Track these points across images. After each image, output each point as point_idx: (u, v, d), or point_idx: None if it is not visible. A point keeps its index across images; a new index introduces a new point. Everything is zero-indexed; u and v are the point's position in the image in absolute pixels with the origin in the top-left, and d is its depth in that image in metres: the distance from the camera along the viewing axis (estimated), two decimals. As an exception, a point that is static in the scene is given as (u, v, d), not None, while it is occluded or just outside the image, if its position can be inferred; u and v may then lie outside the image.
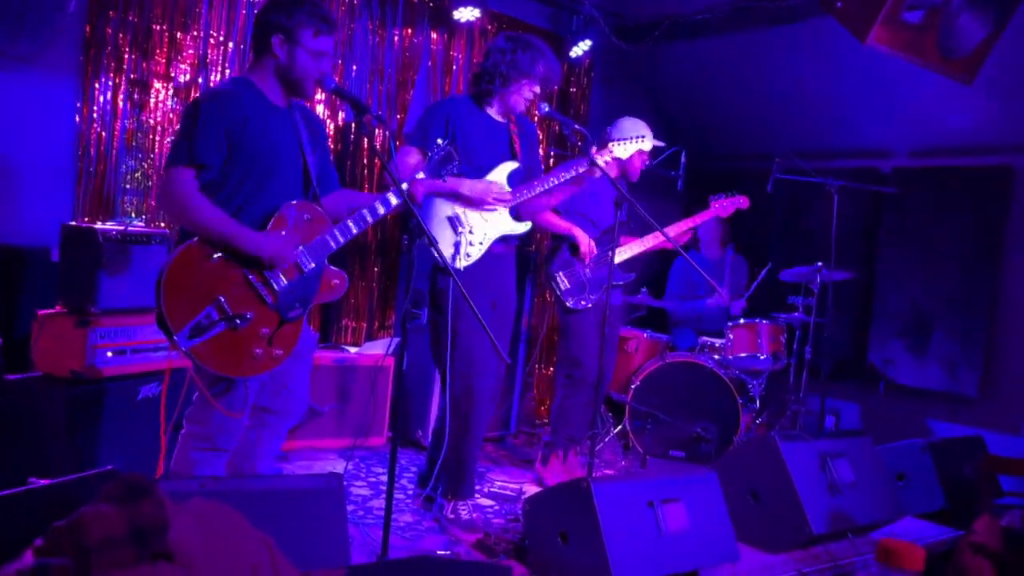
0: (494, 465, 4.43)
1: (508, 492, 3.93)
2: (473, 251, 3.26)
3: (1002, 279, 5.06)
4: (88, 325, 3.08)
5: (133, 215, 4.05)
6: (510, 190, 3.32)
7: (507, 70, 3.27)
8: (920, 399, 5.32)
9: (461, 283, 2.54)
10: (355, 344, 4.91)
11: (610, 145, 3.56)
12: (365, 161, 4.96)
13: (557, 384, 4.20)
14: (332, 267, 2.65)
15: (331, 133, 4.74)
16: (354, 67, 4.81)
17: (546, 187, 3.35)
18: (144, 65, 4.06)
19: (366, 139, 4.78)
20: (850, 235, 5.29)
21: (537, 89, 3.34)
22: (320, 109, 4.68)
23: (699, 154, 6.02)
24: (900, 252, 5.44)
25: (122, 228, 3.24)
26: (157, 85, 4.12)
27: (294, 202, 2.54)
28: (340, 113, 4.82)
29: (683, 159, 5.91)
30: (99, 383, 3.13)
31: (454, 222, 3.25)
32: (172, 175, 2.39)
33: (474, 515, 3.38)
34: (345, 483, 2.41)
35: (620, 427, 4.86)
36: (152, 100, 4.12)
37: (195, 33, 4.21)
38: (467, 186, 3.22)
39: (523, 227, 3.39)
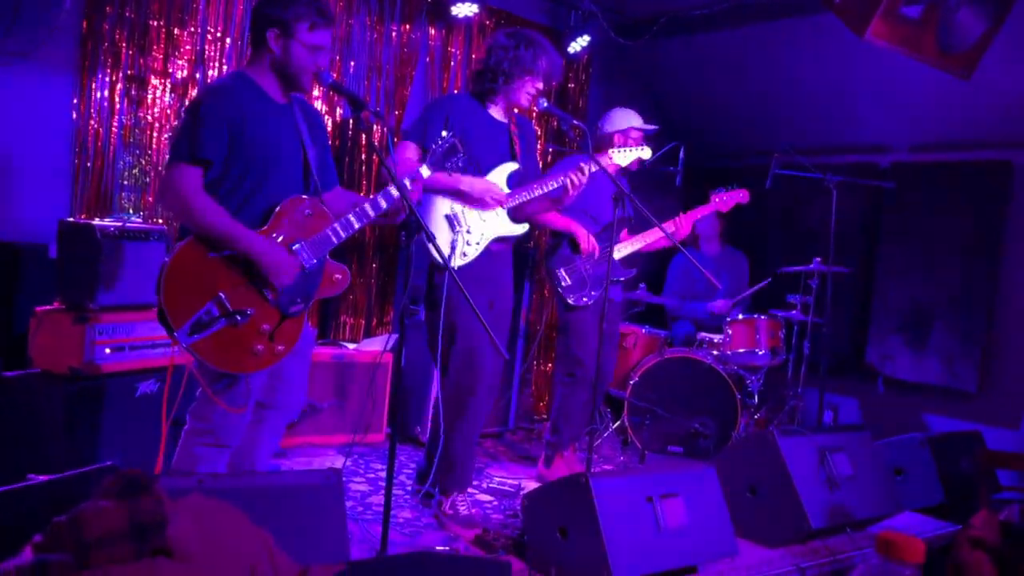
0: (492, 461, 4.43)
1: (507, 488, 3.93)
2: (470, 251, 3.24)
3: (1001, 274, 5.05)
4: (86, 322, 3.08)
5: (131, 211, 4.04)
6: (508, 191, 3.30)
7: (510, 67, 3.25)
8: (919, 394, 5.33)
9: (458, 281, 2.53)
10: (353, 340, 4.91)
11: (610, 152, 3.59)
12: (363, 157, 4.95)
13: (557, 382, 4.14)
14: (334, 262, 2.63)
15: (329, 129, 4.74)
16: (352, 63, 4.80)
17: (544, 190, 3.33)
18: (141, 61, 4.05)
19: (364, 135, 4.78)
20: (849, 231, 5.30)
21: (540, 85, 3.31)
22: (318, 105, 4.67)
23: (698, 150, 6.00)
24: (899, 247, 5.44)
25: (120, 224, 3.24)
26: (154, 81, 4.12)
27: (296, 197, 2.53)
28: (338, 109, 4.81)
29: (682, 155, 5.89)
30: (97, 380, 3.13)
31: (452, 221, 3.23)
32: (174, 172, 2.38)
33: (473, 511, 3.38)
34: (344, 479, 2.40)
35: (619, 423, 4.86)
36: (149, 96, 4.11)
37: (192, 29, 4.21)
38: (467, 183, 3.18)
39: (520, 228, 3.36)
